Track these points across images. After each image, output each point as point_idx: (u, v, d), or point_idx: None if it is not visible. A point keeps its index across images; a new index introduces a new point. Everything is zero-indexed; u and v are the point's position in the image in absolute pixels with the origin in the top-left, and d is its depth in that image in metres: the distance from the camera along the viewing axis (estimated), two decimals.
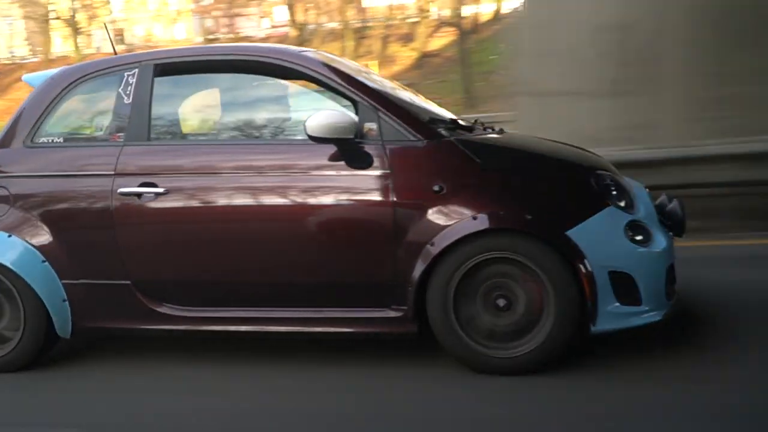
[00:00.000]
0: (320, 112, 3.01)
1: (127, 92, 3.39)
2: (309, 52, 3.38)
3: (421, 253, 3.01)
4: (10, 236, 3.40)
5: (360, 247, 3.11)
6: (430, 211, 3.01)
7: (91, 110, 3.69)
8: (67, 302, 3.38)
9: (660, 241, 3.06)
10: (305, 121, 3.00)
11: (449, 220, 2.98)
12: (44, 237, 3.38)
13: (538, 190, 3.04)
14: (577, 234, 2.92)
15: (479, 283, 3.00)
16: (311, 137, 3.02)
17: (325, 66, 3.25)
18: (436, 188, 3.01)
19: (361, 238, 3.11)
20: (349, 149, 3.06)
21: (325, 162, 3.11)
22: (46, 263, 3.37)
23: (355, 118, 3.10)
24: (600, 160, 3.44)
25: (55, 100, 3.50)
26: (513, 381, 2.95)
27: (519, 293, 2.98)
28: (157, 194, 3.24)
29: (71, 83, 3.50)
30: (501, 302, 3.00)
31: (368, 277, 3.12)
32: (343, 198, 3.11)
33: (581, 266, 2.90)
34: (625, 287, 2.95)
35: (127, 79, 3.40)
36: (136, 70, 3.40)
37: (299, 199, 3.14)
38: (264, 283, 3.24)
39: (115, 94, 3.44)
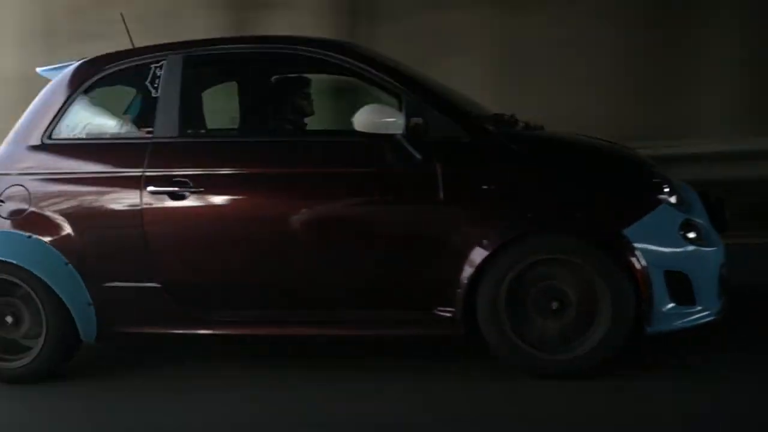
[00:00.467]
0: (368, 107, 2.87)
1: (155, 85, 3.21)
2: (347, 44, 3.23)
3: (470, 254, 2.90)
4: (30, 237, 3.21)
5: (408, 247, 2.99)
6: (479, 211, 2.90)
7: (115, 104, 3.49)
8: (92, 306, 3.20)
9: (713, 239, 2.98)
10: (353, 116, 2.86)
11: (500, 219, 2.87)
12: (67, 238, 3.20)
13: (591, 188, 2.94)
14: (632, 233, 2.83)
15: (531, 284, 2.90)
16: (358, 132, 2.89)
17: (366, 58, 3.11)
18: (485, 186, 2.90)
19: (409, 237, 2.98)
20: (396, 145, 2.93)
21: (371, 159, 2.98)
22: (70, 266, 3.18)
23: (401, 113, 2.96)
24: (645, 157, 3.35)
25: (75, 93, 3.31)
26: (568, 383, 2.87)
27: (572, 295, 2.89)
28: (190, 193, 3.08)
29: (93, 76, 3.31)
30: (554, 305, 2.90)
31: (416, 277, 3.00)
32: (391, 196, 2.98)
33: (637, 266, 2.82)
34: (680, 287, 2.87)
35: (154, 71, 3.22)
36: (164, 62, 3.22)
37: (343, 199, 3.01)
38: (304, 286, 3.11)
39: (142, 87, 3.26)
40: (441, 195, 2.90)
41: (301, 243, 3.05)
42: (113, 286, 3.20)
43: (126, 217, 3.16)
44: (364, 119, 2.85)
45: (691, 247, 2.90)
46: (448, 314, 2.98)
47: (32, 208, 3.24)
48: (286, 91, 3.36)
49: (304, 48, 3.14)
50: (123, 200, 3.16)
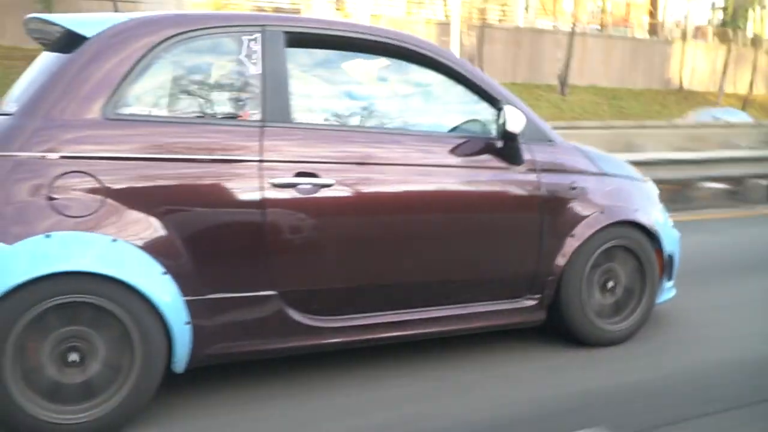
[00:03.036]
0: (514, 110, 2.95)
1: (253, 61, 2.69)
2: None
3: (563, 244, 3.22)
4: (115, 240, 2.36)
5: (515, 241, 3.14)
6: (568, 206, 3.24)
7: (197, 76, 2.71)
8: (189, 325, 2.51)
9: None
10: (505, 118, 2.92)
11: (583, 213, 3.26)
12: (162, 240, 2.45)
13: (632, 190, 3.53)
14: (658, 225, 3.53)
15: (599, 268, 3.36)
16: (508, 134, 2.95)
17: (468, 63, 3.14)
18: (573, 185, 3.26)
19: (516, 232, 3.14)
20: (513, 147, 3.07)
21: (490, 157, 3.05)
22: (168, 275, 2.45)
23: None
24: None
25: (143, 58, 2.53)
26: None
27: (621, 273, 3.44)
28: (321, 186, 2.69)
29: (166, 39, 2.58)
30: (610, 283, 3.41)
31: (517, 269, 3.17)
32: (507, 194, 3.10)
33: (661, 249, 3.53)
34: (670, 266, 3.68)
35: (248, 44, 2.69)
36: (258, 35, 2.72)
37: (465, 195, 3.01)
38: (420, 283, 2.98)
39: (234, 60, 2.68)
40: (542, 192, 3.16)
41: (423, 239, 2.93)
42: (218, 298, 2.57)
43: (242, 214, 2.58)
44: (517, 120, 2.93)
45: (677, 234, 3.74)
46: (535, 302, 3.24)
47: (109, 203, 2.39)
48: (403, 84, 3.11)
49: (408, 42, 3.01)
50: (239, 194, 2.57)
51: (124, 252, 2.37)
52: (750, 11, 32.16)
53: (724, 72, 27.27)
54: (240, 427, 2.54)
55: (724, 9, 33.22)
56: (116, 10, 2.71)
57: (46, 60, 2.65)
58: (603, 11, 31.10)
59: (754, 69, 28.23)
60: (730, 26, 30.97)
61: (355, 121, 2.96)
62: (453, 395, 2.81)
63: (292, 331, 2.73)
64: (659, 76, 27.67)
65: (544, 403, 2.75)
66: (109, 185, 2.40)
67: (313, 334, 2.77)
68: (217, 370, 2.85)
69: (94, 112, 2.45)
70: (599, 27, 30.59)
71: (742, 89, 28.41)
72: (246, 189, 2.58)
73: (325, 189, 2.70)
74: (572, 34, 23.48)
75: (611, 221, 3.32)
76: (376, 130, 2.94)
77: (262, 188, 2.60)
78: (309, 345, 2.79)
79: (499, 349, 3.30)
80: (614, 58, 26.82)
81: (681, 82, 28.09)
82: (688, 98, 26.43)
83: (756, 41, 30.82)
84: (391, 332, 2.94)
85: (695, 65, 28.77)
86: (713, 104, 23.47)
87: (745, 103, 26.21)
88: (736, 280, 4.67)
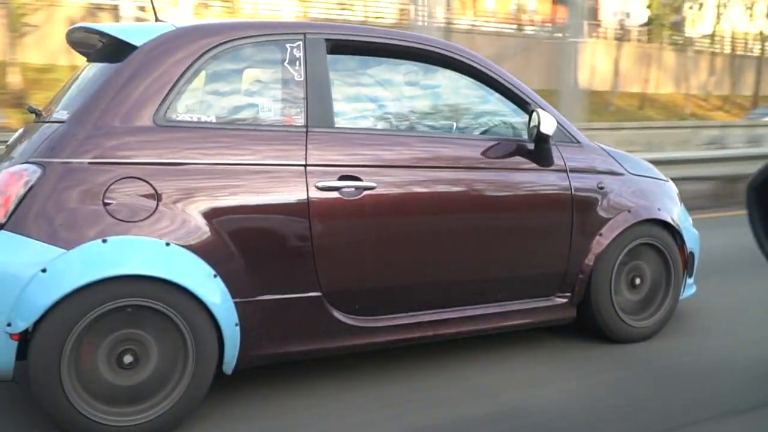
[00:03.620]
0: (546, 114, 3.00)
1: (296, 68, 2.73)
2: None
3: (592, 243, 3.27)
4: (168, 245, 2.39)
5: (547, 241, 3.19)
6: (597, 206, 3.29)
7: (243, 84, 2.76)
8: (238, 327, 2.53)
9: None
10: (539, 120, 2.97)
11: (611, 213, 3.32)
12: (213, 244, 2.48)
13: (656, 189, 3.58)
14: (681, 223, 3.59)
15: (626, 266, 3.41)
16: (541, 136, 3.01)
17: (500, 68, 3.19)
18: (600, 185, 3.31)
19: (550, 231, 3.18)
20: (544, 149, 3.12)
21: (523, 159, 3.10)
22: (218, 278, 2.47)
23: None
24: None
25: (192, 66, 2.57)
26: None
27: (648, 271, 3.49)
28: (364, 189, 2.73)
29: (214, 46, 2.61)
30: (637, 280, 3.46)
31: (549, 268, 3.21)
32: (540, 194, 3.14)
33: (684, 247, 3.59)
34: (691, 264, 3.73)
35: (292, 52, 2.73)
36: (300, 42, 2.76)
37: (500, 196, 3.05)
38: (458, 282, 3.02)
39: (279, 68, 2.72)
40: (573, 192, 3.21)
41: (463, 239, 2.97)
42: (266, 300, 2.60)
43: (289, 217, 2.62)
44: (550, 123, 2.98)
45: (696, 232, 3.80)
46: (565, 299, 3.29)
47: (162, 208, 2.42)
48: (440, 88, 3.16)
49: (447, 50, 3.06)
50: (285, 197, 2.60)
51: (176, 255, 2.40)
52: (683, 11, 32.06)
53: (616, 72, 27.14)
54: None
55: (649, 7, 33.27)
56: (156, 20, 2.73)
57: (93, 69, 2.68)
58: (519, 10, 30.63)
59: (659, 68, 28.36)
60: (654, 25, 30.71)
61: (393, 125, 3.01)
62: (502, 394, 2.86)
63: (336, 332, 2.76)
64: (558, 75, 27.22)
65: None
66: (161, 190, 2.43)
67: (356, 334, 2.80)
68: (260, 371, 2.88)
69: (145, 119, 2.48)
70: (517, 27, 29.99)
71: (652, 89, 28.45)
72: (291, 192, 2.62)
73: (368, 191, 2.74)
74: (449, 31, 21.50)
75: (638, 220, 3.37)
76: (414, 134, 2.99)
77: (306, 191, 2.63)
78: (352, 345, 2.82)
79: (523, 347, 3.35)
80: (506, 57, 24.99)
81: (576, 82, 27.87)
82: (583, 98, 26.44)
83: (687, 41, 30.81)
84: (431, 331, 2.98)
85: (596, 65, 28.23)
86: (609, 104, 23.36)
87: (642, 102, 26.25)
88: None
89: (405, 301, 2.92)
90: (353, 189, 2.72)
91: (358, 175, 2.73)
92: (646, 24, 32.92)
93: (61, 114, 2.54)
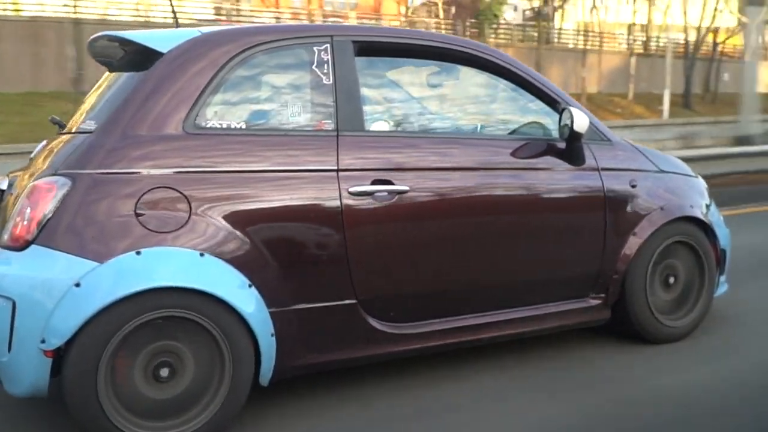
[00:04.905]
0: (579, 112, 2.90)
1: (325, 71, 2.63)
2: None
3: (626, 242, 3.16)
4: (203, 255, 2.29)
5: (580, 241, 3.08)
6: (629, 205, 3.18)
7: (271, 88, 2.66)
8: (274, 337, 2.44)
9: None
10: (571, 119, 2.86)
11: (644, 211, 3.20)
12: (247, 253, 2.38)
13: (687, 186, 3.46)
14: (712, 220, 3.47)
15: (660, 265, 3.29)
16: (574, 135, 2.90)
17: (529, 67, 3.09)
18: (633, 184, 3.20)
19: (583, 232, 3.08)
20: (576, 148, 3.02)
21: (555, 159, 3.00)
22: (253, 287, 2.38)
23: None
24: None
25: (220, 71, 2.48)
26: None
27: (681, 269, 3.38)
28: (397, 193, 2.63)
29: (241, 51, 2.52)
30: (671, 279, 3.34)
31: (583, 268, 3.11)
32: (572, 195, 3.04)
33: (717, 244, 3.47)
34: (723, 261, 3.61)
35: (319, 55, 2.64)
36: (328, 45, 2.66)
37: (534, 197, 2.94)
38: (493, 286, 2.92)
39: (307, 72, 2.63)
40: (605, 192, 3.10)
41: (498, 243, 2.87)
42: (302, 309, 2.51)
43: (322, 223, 2.52)
44: (582, 121, 2.88)
45: (728, 230, 3.68)
46: (599, 301, 3.18)
47: (195, 217, 2.32)
48: (469, 89, 3.06)
49: (475, 49, 2.96)
50: (318, 203, 2.51)
51: (211, 266, 2.30)
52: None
53: None
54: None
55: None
56: (177, 25, 2.66)
57: (118, 78, 2.60)
58: None
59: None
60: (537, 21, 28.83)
61: (424, 126, 2.91)
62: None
63: (372, 339, 2.66)
64: None
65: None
66: (193, 199, 2.34)
67: (392, 341, 2.70)
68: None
69: (175, 126, 2.39)
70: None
71: None
72: (324, 198, 2.52)
73: (401, 195, 2.64)
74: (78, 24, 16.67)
75: (671, 218, 3.26)
76: (446, 136, 2.89)
77: (339, 197, 2.54)
78: (388, 352, 2.72)
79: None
80: None
81: None
82: None
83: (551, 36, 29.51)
84: (466, 336, 2.87)
85: None
86: None
87: None
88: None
89: (440, 307, 2.82)
90: (386, 193, 2.62)
91: (391, 179, 2.63)
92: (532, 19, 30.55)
93: (88, 124, 2.45)
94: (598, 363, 3.10)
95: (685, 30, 29.33)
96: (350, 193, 2.55)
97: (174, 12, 3.17)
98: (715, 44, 29.80)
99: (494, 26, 27.56)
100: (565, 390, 2.81)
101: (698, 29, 28.91)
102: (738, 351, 3.25)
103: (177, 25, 3.00)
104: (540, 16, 30.26)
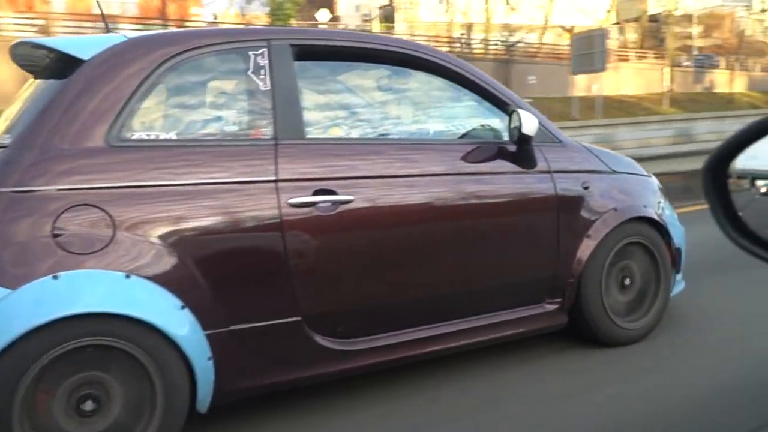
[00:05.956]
0: (526, 113, 2.77)
1: (262, 77, 2.46)
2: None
3: (580, 245, 3.05)
4: (128, 277, 2.10)
5: (534, 246, 2.96)
6: (582, 207, 3.07)
7: (204, 96, 2.47)
8: (211, 361, 2.25)
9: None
10: (520, 121, 2.73)
11: (597, 213, 3.10)
12: (179, 273, 2.19)
13: (640, 186, 3.37)
14: (666, 219, 3.39)
15: (616, 266, 3.19)
16: (523, 137, 2.77)
17: (476, 68, 2.95)
18: (585, 185, 3.09)
19: (537, 236, 2.96)
20: (526, 150, 2.89)
21: (505, 162, 2.87)
22: (186, 309, 2.19)
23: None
24: None
25: (147, 79, 2.28)
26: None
27: (637, 270, 3.28)
28: (341, 203, 2.47)
29: (170, 57, 2.33)
30: (627, 281, 3.24)
31: (538, 273, 2.99)
32: (524, 198, 2.91)
33: (672, 243, 3.38)
34: (679, 259, 3.53)
35: (256, 60, 2.46)
36: (264, 50, 2.49)
37: (483, 202, 2.81)
38: (445, 296, 2.77)
39: (243, 78, 2.45)
40: (558, 194, 2.99)
41: (452, 251, 2.73)
42: (242, 329, 2.33)
43: (261, 238, 2.34)
44: (531, 123, 2.75)
45: (683, 228, 3.60)
46: (556, 305, 3.06)
47: (119, 237, 2.12)
48: (412, 92, 2.90)
49: (422, 52, 2.81)
50: (256, 217, 2.33)
51: (138, 288, 2.11)
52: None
53: None
54: None
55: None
56: (108, 31, 2.47)
57: (38, 88, 2.39)
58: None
59: None
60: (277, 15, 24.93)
61: (368, 133, 2.75)
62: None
63: (320, 358, 2.50)
64: None
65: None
66: (117, 217, 2.14)
67: (342, 358, 2.54)
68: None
69: (97, 139, 2.19)
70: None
71: None
72: (263, 211, 2.34)
73: (345, 206, 2.48)
74: None
75: (624, 218, 3.16)
76: (390, 142, 2.73)
77: (279, 209, 2.36)
78: (339, 370, 2.55)
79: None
80: None
81: None
82: None
83: None
84: (419, 349, 2.72)
85: None
86: None
87: None
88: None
89: (391, 320, 2.66)
90: (329, 204, 2.45)
91: (334, 189, 2.47)
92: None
93: (3, 139, 2.24)
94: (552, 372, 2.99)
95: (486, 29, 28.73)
96: (290, 204, 2.38)
97: (104, 16, 2.96)
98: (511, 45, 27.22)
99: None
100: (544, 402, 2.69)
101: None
102: (698, 351, 3.16)
103: (107, 30, 2.80)
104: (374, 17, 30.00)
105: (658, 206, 3.37)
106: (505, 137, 2.93)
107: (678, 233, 3.49)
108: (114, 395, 2.10)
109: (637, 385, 2.79)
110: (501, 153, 2.88)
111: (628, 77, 27.60)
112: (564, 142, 3.11)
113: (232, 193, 2.31)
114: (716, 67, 33.80)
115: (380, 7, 32.71)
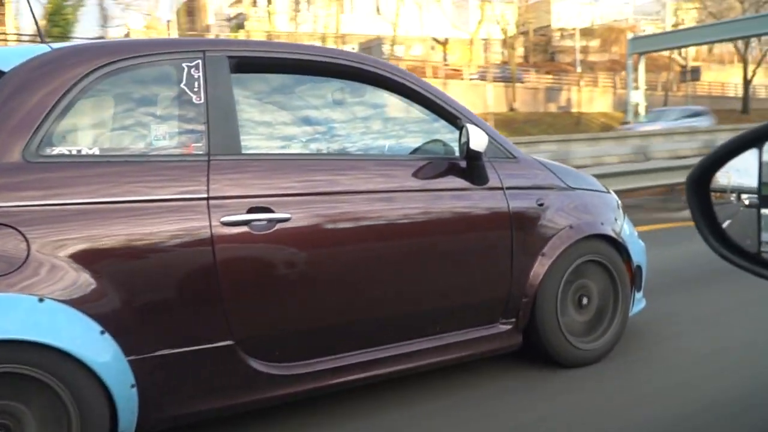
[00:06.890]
0: (475, 128, 2.66)
1: (195, 89, 2.33)
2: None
3: (535, 263, 2.94)
4: (42, 301, 1.96)
5: (486, 264, 2.84)
6: (537, 224, 2.96)
7: (132, 109, 2.34)
8: (134, 388, 2.11)
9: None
10: (468, 137, 2.62)
11: (552, 230, 2.99)
12: (99, 296, 2.05)
13: (597, 203, 3.27)
14: (625, 236, 3.29)
15: (572, 285, 3.09)
16: (472, 153, 2.66)
17: (427, 82, 2.84)
18: (540, 202, 2.99)
19: (489, 254, 2.85)
20: (477, 166, 2.78)
21: (455, 179, 2.75)
22: (107, 334, 2.05)
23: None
24: None
25: (70, 91, 2.15)
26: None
27: (594, 289, 3.17)
28: (277, 221, 2.34)
29: (95, 69, 2.20)
30: (584, 300, 3.14)
31: (490, 293, 2.87)
32: (476, 216, 2.80)
33: (630, 261, 3.28)
34: (639, 277, 3.43)
35: (189, 72, 2.34)
36: (199, 61, 2.37)
37: (431, 220, 2.69)
38: (389, 318, 2.64)
39: (175, 90, 2.32)
40: (510, 211, 2.88)
41: (397, 271, 2.61)
42: (169, 354, 2.19)
43: (190, 258, 2.21)
44: (480, 138, 2.64)
45: (643, 245, 3.50)
46: (510, 326, 2.95)
47: (34, 258, 1.98)
48: (356, 106, 2.79)
49: (367, 64, 2.70)
50: (183, 236, 2.20)
51: (53, 313, 1.97)
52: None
53: None
54: None
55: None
56: (42, 41, 2.38)
57: None
58: None
59: None
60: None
61: (309, 148, 2.63)
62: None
63: (256, 383, 2.36)
64: None
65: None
66: (32, 237, 2.00)
67: (279, 383, 2.40)
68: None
69: (14, 154, 2.05)
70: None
71: None
72: (192, 230, 2.21)
73: (281, 224, 2.36)
74: None
75: (581, 236, 3.05)
76: (332, 157, 2.61)
77: (210, 228, 2.23)
78: (276, 396, 2.42)
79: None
80: None
81: None
82: None
83: None
84: (362, 373, 2.59)
85: None
86: None
87: None
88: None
89: (332, 343, 2.54)
90: (265, 222, 2.33)
91: (270, 206, 2.34)
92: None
93: None
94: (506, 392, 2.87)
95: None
96: (222, 223, 2.25)
97: (38, 25, 2.83)
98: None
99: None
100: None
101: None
102: (660, 371, 3.06)
103: (42, 40, 2.67)
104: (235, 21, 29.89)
105: (616, 223, 3.27)
106: (458, 153, 2.82)
107: (638, 250, 3.40)
108: (28, 426, 1.95)
109: (610, 403, 2.68)
110: (451, 169, 2.77)
111: (457, 95, 27.36)
112: (518, 158, 3.01)
113: (158, 210, 2.18)
114: (520, 81, 32.02)
115: (229, 18, 33.05)
